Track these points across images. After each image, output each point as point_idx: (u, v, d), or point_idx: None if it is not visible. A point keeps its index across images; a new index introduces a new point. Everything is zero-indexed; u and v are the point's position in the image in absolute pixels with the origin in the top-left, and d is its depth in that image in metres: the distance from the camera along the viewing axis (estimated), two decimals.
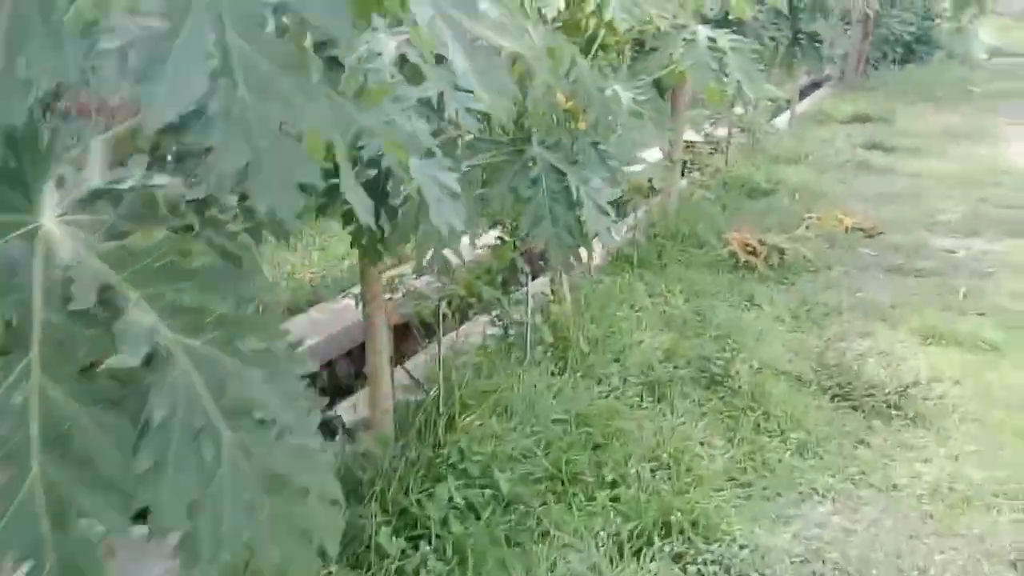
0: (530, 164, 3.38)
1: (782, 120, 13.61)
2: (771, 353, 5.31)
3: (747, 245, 7.01)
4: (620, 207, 8.10)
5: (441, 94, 2.77)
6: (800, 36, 7.44)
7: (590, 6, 4.50)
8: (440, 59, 2.94)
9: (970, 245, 7.73)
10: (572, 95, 3.38)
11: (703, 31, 4.99)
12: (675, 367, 5.07)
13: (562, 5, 4.45)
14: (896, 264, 7.12)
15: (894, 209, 8.87)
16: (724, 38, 4.96)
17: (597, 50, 5.15)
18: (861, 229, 8.03)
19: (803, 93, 16.03)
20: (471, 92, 3.01)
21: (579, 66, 3.35)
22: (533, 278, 6.01)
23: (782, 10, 6.48)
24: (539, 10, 4.30)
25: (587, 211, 3.33)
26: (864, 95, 17.65)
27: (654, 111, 4.96)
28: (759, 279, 6.68)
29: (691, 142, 11.29)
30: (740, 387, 4.73)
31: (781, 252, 7.01)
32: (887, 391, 4.79)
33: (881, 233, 8.03)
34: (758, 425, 4.45)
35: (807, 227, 8.01)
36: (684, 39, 4.94)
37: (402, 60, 2.80)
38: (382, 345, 3.83)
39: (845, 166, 10.81)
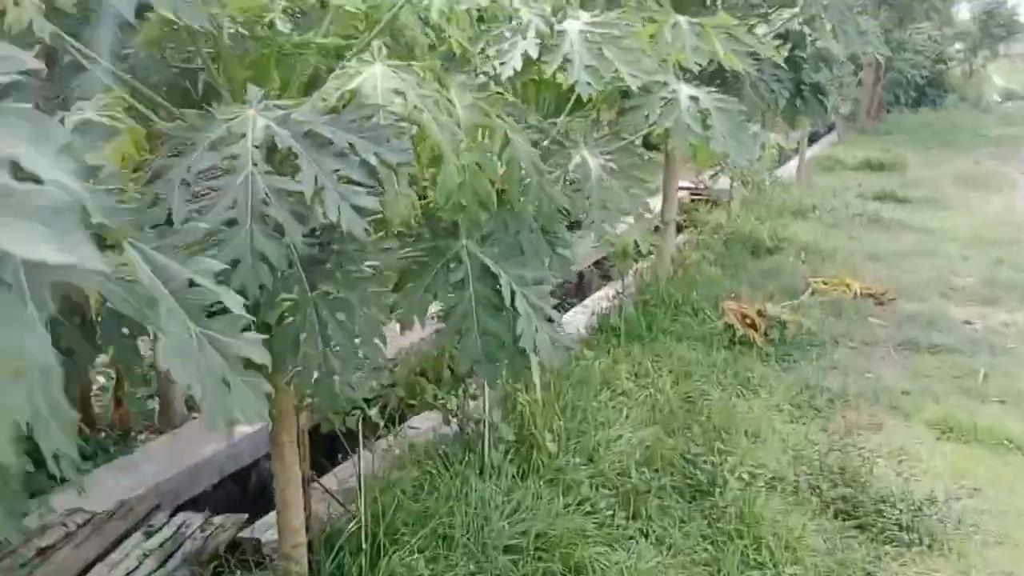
0: (453, 264, 2.77)
1: (790, 167, 13.03)
2: (767, 454, 4.66)
3: (745, 317, 6.38)
4: (605, 274, 7.54)
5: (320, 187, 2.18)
6: (803, 88, 6.84)
7: (551, 68, 3.92)
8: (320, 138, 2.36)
9: (988, 315, 7.07)
10: (506, 178, 2.77)
11: (684, 89, 4.38)
12: (656, 472, 4.42)
13: (519, 65, 3.89)
14: (909, 338, 6.47)
15: (907, 271, 8.23)
16: (708, 96, 4.36)
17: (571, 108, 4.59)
18: (871, 295, 7.39)
19: (814, 137, 15.45)
20: (361, 185, 2.43)
21: (514, 143, 2.75)
22: None
23: (780, 63, 5.88)
24: (490, 71, 3.75)
25: (522, 322, 2.71)
26: (876, 140, 17.11)
27: (630, 178, 4.34)
28: (757, 356, 6.04)
29: (695, 191, 10.74)
30: (727, 507, 4.06)
31: (782, 325, 6.37)
32: (899, 507, 4.14)
33: (893, 299, 7.39)
34: (746, 556, 3.78)
35: (812, 292, 7.38)
36: (663, 98, 4.34)
37: (270, 145, 2.21)
38: (292, 471, 3.21)
39: (855, 220, 10.19)
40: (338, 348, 2.46)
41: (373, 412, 3.60)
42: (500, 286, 2.75)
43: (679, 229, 9.00)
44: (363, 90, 2.47)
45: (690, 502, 4.22)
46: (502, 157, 2.77)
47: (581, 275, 8.20)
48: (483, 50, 4.00)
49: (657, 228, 7.85)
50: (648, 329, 6.45)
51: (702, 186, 10.69)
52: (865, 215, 10.33)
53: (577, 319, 6.78)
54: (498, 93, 3.58)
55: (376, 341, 2.57)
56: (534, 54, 4.00)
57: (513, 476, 4.24)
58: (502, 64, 3.96)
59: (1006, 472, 4.61)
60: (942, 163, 15.03)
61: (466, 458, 4.24)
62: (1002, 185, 13.07)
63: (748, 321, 6.35)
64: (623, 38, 4.26)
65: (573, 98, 4.67)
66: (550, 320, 2.83)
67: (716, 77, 6.44)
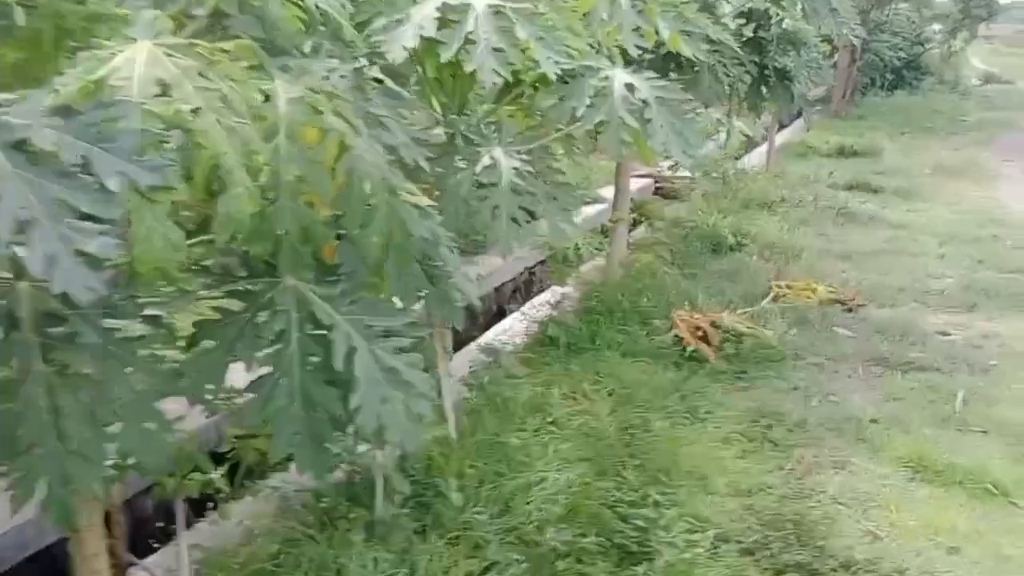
0: (267, 313, 2.07)
1: (760, 154, 12.37)
2: (711, 505, 4.00)
3: (697, 329, 5.71)
4: (540, 281, 6.85)
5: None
6: (767, 73, 6.18)
7: (449, 51, 3.22)
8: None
9: (967, 324, 6.45)
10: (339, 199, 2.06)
11: (620, 76, 3.69)
12: (579, 527, 3.74)
13: (410, 44, 3.19)
14: (879, 353, 5.83)
15: (879, 271, 7.59)
16: (647, 84, 3.67)
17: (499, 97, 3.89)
18: (839, 300, 6.74)
19: (785, 122, 14.79)
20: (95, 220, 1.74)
21: (354, 152, 2.05)
22: None
23: (732, 46, 5.19)
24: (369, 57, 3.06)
25: (361, 391, 2.02)
26: (850, 125, 16.49)
27: (554, 184, 3.66)
28: (709, 376, 5.38)
29: (657, 180, 10.06)
30: None
31: (739, 338, 5.71)
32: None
33: (862, 305, 6.75)
34: None
35: (775, 298, 6.72)
36: (592, 87, 3.65)
37: None
38: (94, 563, 2.51)
39: (825, 214, 9.52)
40: (78, 445, 1.76)
41: (217, 476, 2.90)
42: (333, 339, 2.07)
43: (635, 224, 8.33)
44: (113, 80, 1.76)
45: (616, 568, 3.55)
46: (338, 169, 2.07)
47: (532, 272, 7.49)
48: (362, 27, 3.31)
49: (603, 228, 7.20)
50: (591, 341, 5.78)
51: (662, 175, 10.02)
52: (836, 208, 9.67)
53: (515, 328, 6.10)
54: (376, 80, 2.90)
55: (148, 426, 1.88)
56: (430, 32, 3.31)
57: (410, 536, 3.57)
58: (389, 44, 3.27)
59: (989, 526, 3.97)
60: (919, 150, 14.42)
61: (352, 514, 3.56)
62: (981, 174, 12.46)
63: (700, 334, 5.69)
64: (543, 15, 3.57)
65: (500, 85, 4.02)
66: (410, 385, 2.15)
67: (670, 60, 5.76)
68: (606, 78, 3.69)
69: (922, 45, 21.01)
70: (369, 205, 2.07)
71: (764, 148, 12.33)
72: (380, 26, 3.26)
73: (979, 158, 13.71)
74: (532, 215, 3.54)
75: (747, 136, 10.60)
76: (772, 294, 6.75)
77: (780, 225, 8.93)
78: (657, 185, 10.22)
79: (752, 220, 8.99)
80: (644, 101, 3.64)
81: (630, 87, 3.65)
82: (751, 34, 6.17)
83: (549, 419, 4.67)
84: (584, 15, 3.99)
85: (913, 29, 19.99)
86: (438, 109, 3.78)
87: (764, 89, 6.30)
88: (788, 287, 6.84)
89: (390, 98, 2.83)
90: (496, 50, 3.23)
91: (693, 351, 5.56)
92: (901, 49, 19.43)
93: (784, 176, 11.49)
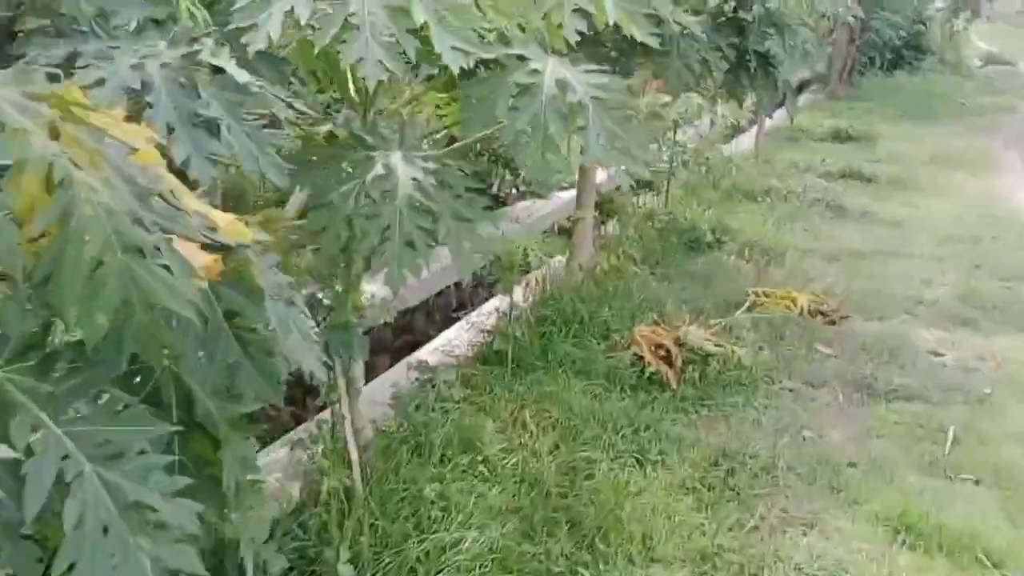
0: None
1: (748, 138, 11.70)
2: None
3: (659, 347, 5.09)
4: (489, 287, 6.22)
5: None
6: (747, 57, 5.51)
7: (324, 38, 2.56)
8: None
9: (961, 342, 5.82)
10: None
11: (552, 69, 3.03)
12: None
13: (276, 32, 2.53)
14: (862, 377, 5.21)
15: (868, 276, 6.96)
16: (584, 82, 3.01)
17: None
18: (822, 312, 6.11)
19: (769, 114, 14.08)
20: None
21: (72, 189, 1.40)
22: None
23: (695, 31, 4.51)
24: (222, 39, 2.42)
25: (75, 549, 1.39)
26: (847, 107, 15.82)
27: (466, 200, 3.02)
28: (668, 404, 4.76)
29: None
30: None
31: (705, 358, 5.08)
32: None
33: (847, 317, 6.13)
34: None
35: (750, 307, 6.09)
36: (516, 83, 2.99)
37: None
38: None
39: (813, 208, 8.88)
40: None
41: None
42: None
43: (605, 219, 7.68)
44: None
45: None
46: (52, 214, 1.42)
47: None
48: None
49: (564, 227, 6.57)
50: (542, 357, 5.15)
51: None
52: (825, 201, 9.02)
53: (460, 338, 5.47)
54: (215, 69, 2.29)
55: None
56: (303, 16, 2.65)
57: None
58: (252, 34, 2.62)
59: None
60: (917, 136, 13.76)
61: None
62: (981, 164, 11.81)
63: (663, 353, 5.07)
64: None
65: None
66: (165, 529, 1.51)
67: (635, 43, 5.07)
68: (534, 71, 3.03)
69: (923, 24, 20.25)
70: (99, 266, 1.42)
71: (753, 132, 11.67)
72: (241, 6, 2.60)
73: (980, 146, 13.07)
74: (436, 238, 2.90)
75: (734, 123, 9.90)
76: (748, 303, 6.12)
77: (764, 220, 8.30)
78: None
79: (734, 213, 8.36)
80: (580, 103, 2.99)
81: (563, 84, 2.99)
82: (731, 15, 5.50)
83: (480, 458, 4.06)
84: None
85: (914, 7, 19.22)
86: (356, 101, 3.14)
87: (744, 76, 5.64)
88: (766, 295, 6.21)
89: (232, 92, 2.21)
90: (384, 39, 2.58)
91: (653, 373, 4.94)
92: (901, 28, 18.72)
93: (773, 163, 10.85)
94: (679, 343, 5.11)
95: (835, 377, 5.21)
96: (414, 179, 2.84)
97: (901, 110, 15.96)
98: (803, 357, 5.44)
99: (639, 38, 3.55)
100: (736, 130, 11.28)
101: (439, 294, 6.09)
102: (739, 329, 5.69)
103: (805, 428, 4.64)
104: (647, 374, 4.95)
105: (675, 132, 8.23)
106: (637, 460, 4.21)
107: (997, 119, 15.44)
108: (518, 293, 5.48)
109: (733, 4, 5.52)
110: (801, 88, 17.96)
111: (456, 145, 3.14)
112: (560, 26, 3.25)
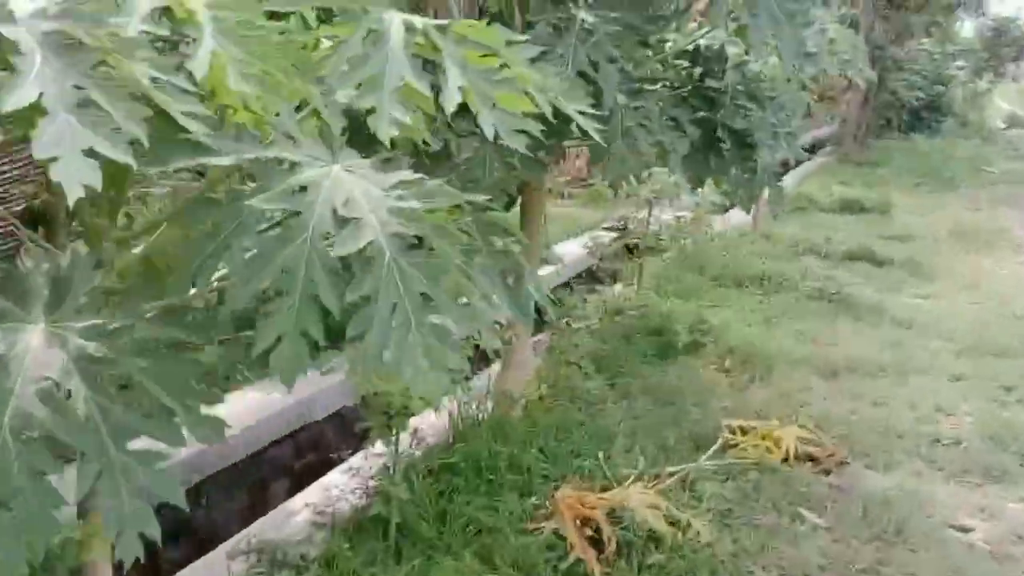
0: None
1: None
2: None
3: (586, 521, 3.81)
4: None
5: None
6: (719, 137, 4.29)
7: None
8: None
9: (992, 510, 4.50)
10: None
11: (337, 176, 1.79)
12: None
13: None
14: (860, 568, 3.91)
15: (873, 401, 5.66)
16: (382, 203, 1.77)
17: None
18: (811, 457, 4.82)
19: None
20: None
21: None
22: None
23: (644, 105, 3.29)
24: None
25: None
26: (860, 173, 14.66)
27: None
28: None
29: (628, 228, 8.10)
30: None
31: (647, 541, 3.80)
32: None
33: (844, 463, 4.84)
34: None
35: (723, 447, 4.81)
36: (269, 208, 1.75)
37: None
38: None
39: (811, 301, 7.61)
40: None
41: None
42: None
43: (564, 311, 6.43)
44: None
45: None
46: None
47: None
48: None
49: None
50: (438, 525, 3.89)
51: (622, 225, 8.09)
52: (827, 292, 7.75)
53: (337, 492, 4.21)
54: None
55: None
56: None
57: None
58: None
59: None
60: (934, 207, 12.56)
61: None
62: (1006, 245, 10.57)
63: (591, 529, 3.79)
64: None
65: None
66: None
67: (565, 121, 3.88)
68: (301, 189, 1.79)
69: (943, 84, 19.08)
70: None
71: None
72: None
73: (1003, 221, 11.85)
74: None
75: (724, 202, 8.65)
76: (720, 441, 4.84)
77: (752, 316, 7.02)
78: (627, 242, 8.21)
79: (718, 307, 7.11)
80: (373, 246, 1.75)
81: (345, 213, 1.75)
82: (697, 82, 4.29)
83: None
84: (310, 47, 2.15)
85: (935, 67, 18.07)
86: None
87: (714, 160, 4.42)
88: (743, 431, 4.92)
89: None
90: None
91: (575, 562, 3.65)
92: (920, 88, 17.55)
93: (772, 240, 9.62)
94: (613, 517, 3.83)
95: (825, 565, 3.91)
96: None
97: (918, 176, 14.79)
98: (784, 531, 4.13)
99: (485, 124, 2.29)
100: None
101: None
102: (703, 482, 4.41)
103: None
104: (567, 563, 3.67)
105: (649, 211, 7.00)
106: None
107: (1021, 191, 14.19)
108: (413, 433, 4.22)
109: (700, 71, 4.30)
110: (813, 149, 16.83)
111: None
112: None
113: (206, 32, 1.64)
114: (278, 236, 1.69)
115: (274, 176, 1.76)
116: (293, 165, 1.79)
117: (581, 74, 3.62)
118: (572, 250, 8.57)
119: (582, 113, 2.28)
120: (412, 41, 2.02)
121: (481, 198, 2.39)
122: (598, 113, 3.71)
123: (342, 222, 1.70)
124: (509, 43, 2.14)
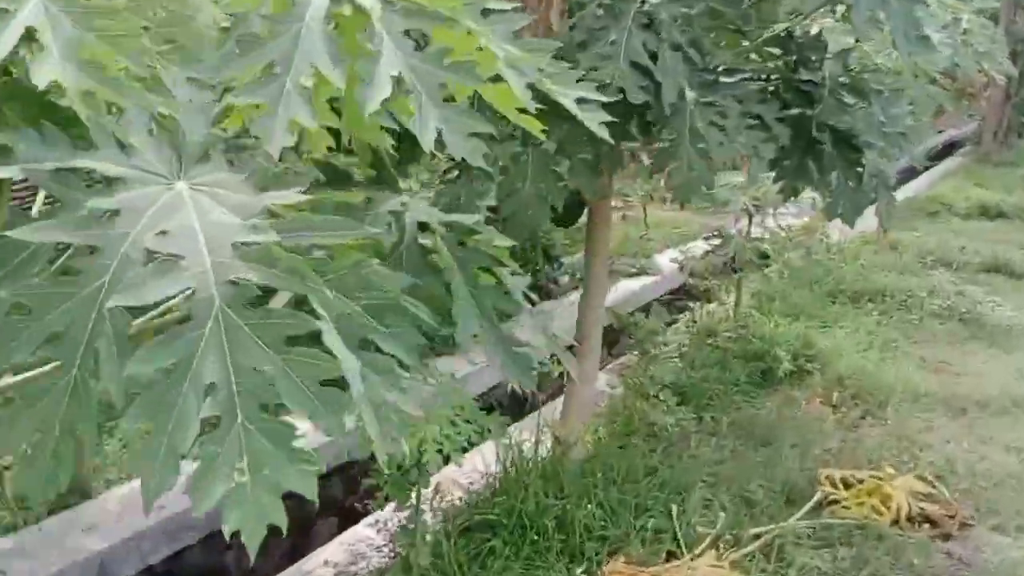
0: None
1: (870, 212, 9.52)
2: None
3: None
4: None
5: None
6: (816, 139, 3.57)
7: None
8: None
9: None
10: None
11: (175, 198, 1.24)
12: None
13: None
14: None
15: (1003, 447, 4.82)
16: (213, 217, 1.21)
17: None
18: (929, 519, 4.05)
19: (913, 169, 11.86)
20: None
21: None
22: None
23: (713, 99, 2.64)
24: None
25: None
26: (1000, 175, 13.39)
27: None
28: None
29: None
30: None
31: None
32: None
33: (968, 526, 4.05)
34: None
35: (821, 503, 4.09)
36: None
37: None
38: None
39: (939, 320, 6.72)
40: None
41: None
42: None
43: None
44: None
45: None
46: None
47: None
48: None
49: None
50: None
51: (719, 235, 7.31)
52: (957, 311, 6.84)
53: (364, 547, 3.69)
54: None
55: None
56: None
57: None
58: None
59: None
60: None
61: None
62: None
63: None
64: None
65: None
66: None
67: (631, 111, 3.30)
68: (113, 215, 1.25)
69: None
70: None
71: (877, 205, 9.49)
72: None
73: None
74: None
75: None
76: (818, 496, 4.12)
77: (868, 340, 6.20)
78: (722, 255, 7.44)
79: (830, 328, 6.32)
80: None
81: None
82: (790, 72, 3.59)
83: None
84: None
85: None
86: None
87: (814, 165, 3.71)
88: (846, 484, 4.19)
89: None
90: None
91: None
92: None
93: (899, 248, 8.67)
94: None
95: None
96: None
97: None
98: None
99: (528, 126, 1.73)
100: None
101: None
102: (792, 549, 3.71)
103: None
104: None
105: (750, 220, 6.27)
106: None
107: None
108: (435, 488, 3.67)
109: (792, 59, 3.60)
110: (951, 148, 15.59)
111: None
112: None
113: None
114: (58, 282, 1.15)
115: (78, 197, 1.23)
116: (112, 181, 1.25)
117: (635, 65, 2.99)
118: (665, 263, 7.89)
119: (580, 102, 1.65)
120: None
121: (472, 218, 1.86)
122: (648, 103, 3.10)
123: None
124: (485, 11, 1.54)
